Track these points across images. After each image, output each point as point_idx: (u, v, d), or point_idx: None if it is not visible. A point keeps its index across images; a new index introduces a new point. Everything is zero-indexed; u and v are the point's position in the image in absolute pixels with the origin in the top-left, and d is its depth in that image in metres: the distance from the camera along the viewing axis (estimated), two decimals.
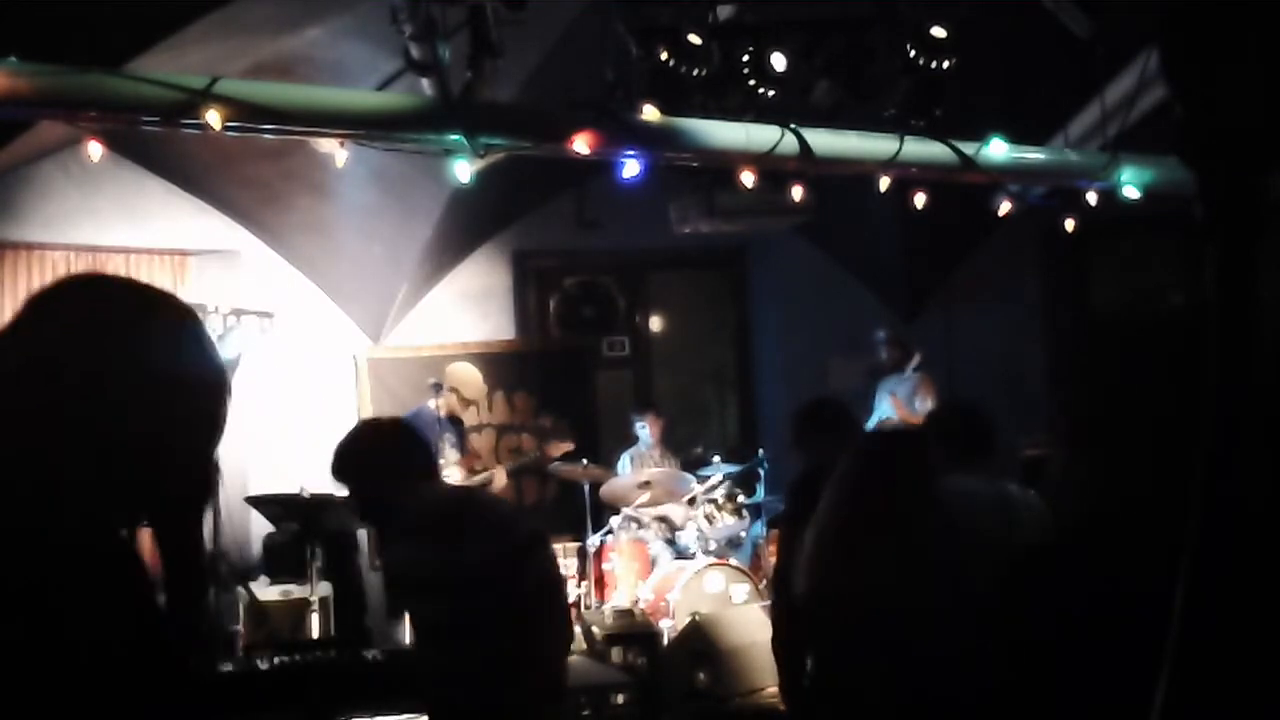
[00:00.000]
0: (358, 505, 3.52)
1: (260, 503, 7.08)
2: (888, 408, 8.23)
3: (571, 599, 7.58)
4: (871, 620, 3.20)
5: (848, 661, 3.32)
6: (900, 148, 6.03)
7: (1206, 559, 1.19)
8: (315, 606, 6.63)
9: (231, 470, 7.58)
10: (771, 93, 5.73)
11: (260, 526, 7.57)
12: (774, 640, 4.26)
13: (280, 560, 7.33)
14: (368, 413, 8.60)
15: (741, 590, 6.96)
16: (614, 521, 7.60)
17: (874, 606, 3.18)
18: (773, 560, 7.64)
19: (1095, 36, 5.75)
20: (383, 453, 3.46)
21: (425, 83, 5.10)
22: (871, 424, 8.24)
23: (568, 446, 8.02)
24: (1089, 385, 2.04)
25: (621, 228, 8.76)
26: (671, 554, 7.58)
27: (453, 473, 7.45)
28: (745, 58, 5.66)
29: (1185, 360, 1.43)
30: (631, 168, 5.68)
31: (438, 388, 7.72)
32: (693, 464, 8.24)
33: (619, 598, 7.26)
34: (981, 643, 3.38)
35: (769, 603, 6.85)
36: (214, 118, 4.64)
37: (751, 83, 5.68)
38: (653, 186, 6.16)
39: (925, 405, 7.95)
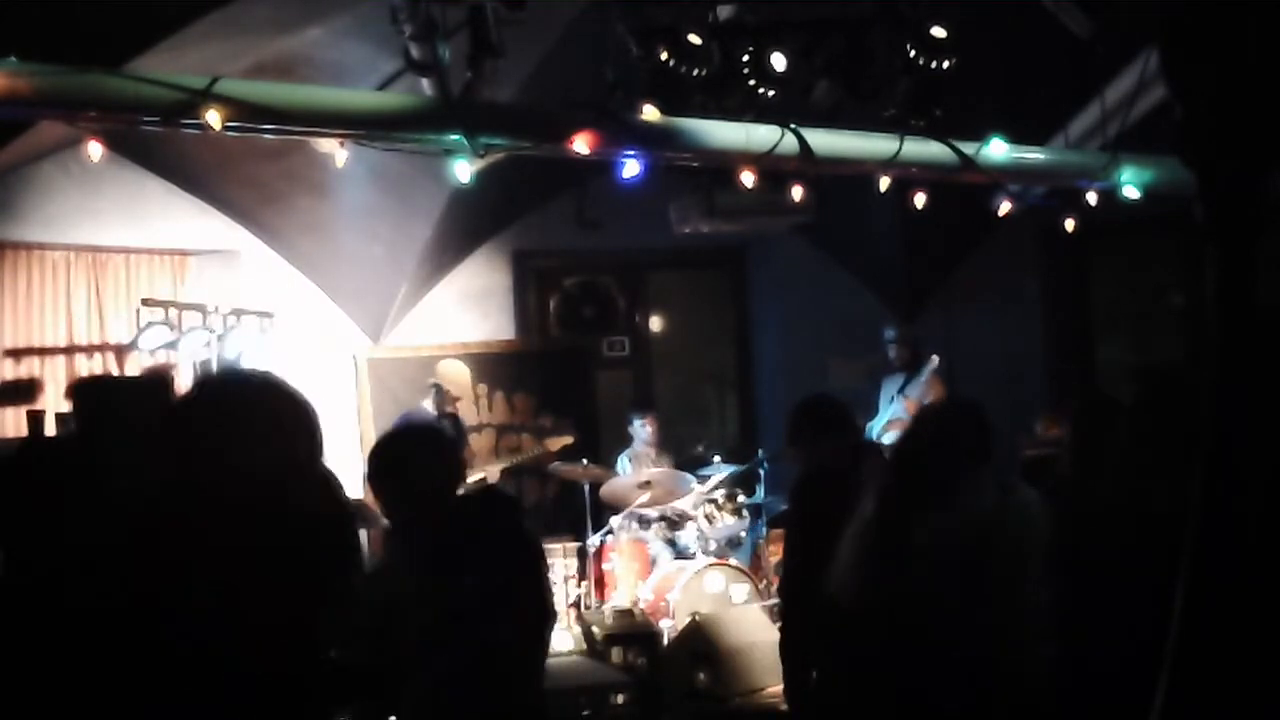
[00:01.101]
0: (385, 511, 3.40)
1: None
2: (899, 409, 8.19)
3: (571, 599, 7.59)
4: (903, 626, 3.20)
5: (879, 667, 3.31)
6: (900, 148, 6.02)
7: (1206, 557, 1.19)
8: None
9: None
10: (771, 93, 5.72)
11: None
12: (782, 643, 4.24)
13: None
14: (367, 413, 8.60)
15: (741, 590, 6.96)
16: (614, 521, 7.60)
17: (905, 612, 3.18)
18: (774, 560, 7.66)
19: (1095, 36, 5.74)
20: (405, 466, 3.30)
21: (425, 83, 5.09)
22: (879, 424, 8.24)
23: (567, 440, 8.02)
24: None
25: (621, 228, 8.75)
26: (671, 554, 7.58)
27: None
28: (745, 58, 5.65)
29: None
30: (631, 168, 5.67)
31: (436, 388, 7.74)
32: (692, 464, 8.23)
33: (619, 598, 7.26)
34: (992, 644, 3.38)
35: (769, 603, 6.88)
36: (214, 118, 4.64)
37: (751, 83, 5.67)
38: (653, 186, 6.15)
39: None
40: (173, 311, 7.48)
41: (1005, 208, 7.43)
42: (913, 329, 8.85)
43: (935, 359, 8.13)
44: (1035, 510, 3.97)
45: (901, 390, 8.25)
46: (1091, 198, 7.07)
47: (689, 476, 7.77)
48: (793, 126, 5.76)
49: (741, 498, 7.74)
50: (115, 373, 7.57)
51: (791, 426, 4.52)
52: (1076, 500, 3.99)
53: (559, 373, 9.19)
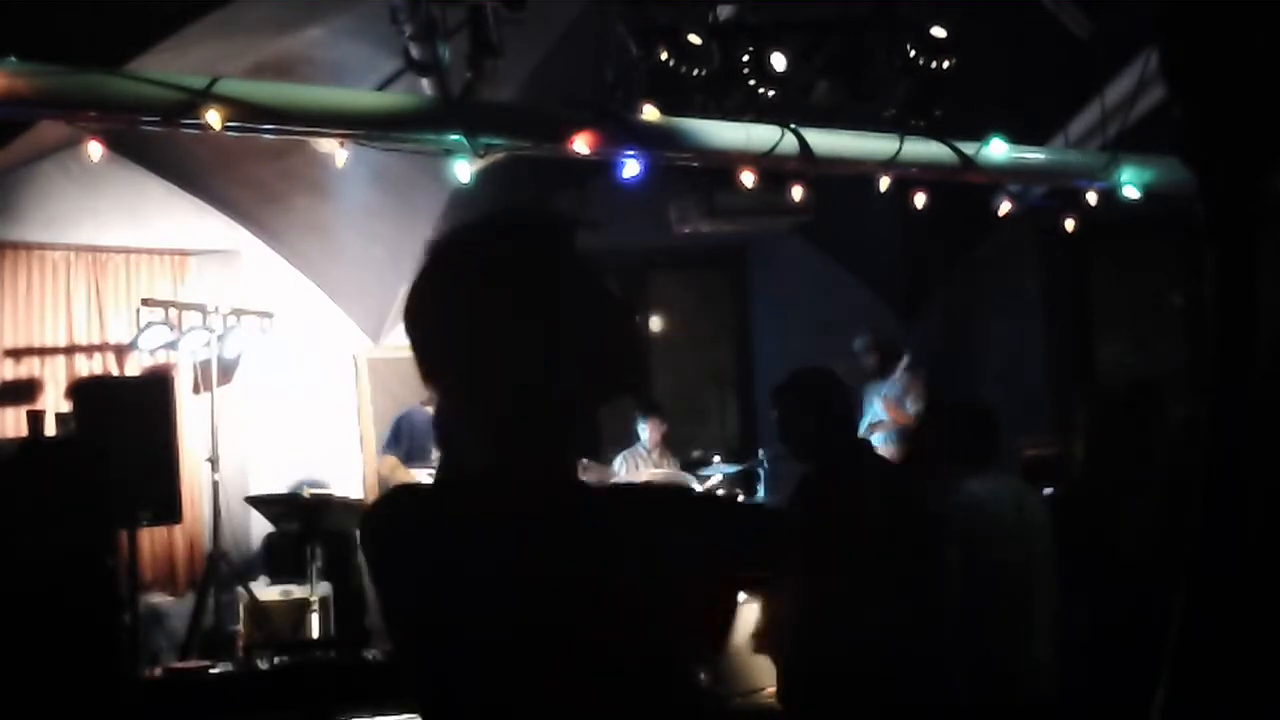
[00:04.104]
0: None
1: (260, 503, 7.08)
2: (879, 410, 8.23)
3: None
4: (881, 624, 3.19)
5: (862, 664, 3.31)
6: (900, 148, 6.02)
7: (1208, 558, 1.19)
8: (315, 606, 6.63)
9: (231, 470, 7.58)
10: (771, 93, 5.73)
11: (260, 526, 7.56)
12: (766, 641, 4.15)
13: (280, 560, 7.32)
14: (367, 413, 8.60)
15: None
16: None
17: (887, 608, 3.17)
18: None
19: (1095, 36, 5.75)
20: None
21: (425, 83, 5.10)
22: (862, 427, 8.25)
23: None
24: None
25: (621, 228, 8.73)
26: None
27: None
28: (745, 58, 5.65)
29: None
30: (631, 168, 5.67)
31: None
32: (693, 464, 8.23)
33: None
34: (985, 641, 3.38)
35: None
36: (214, 118, 4.64)
37: (751, 83, 5.68)
38: (653, 186, 6.15)
39: (916, 406, 7.98)
40: (173, 311, 7.48)
41: (1005, 208, 7.43)
42: (897, 329, 8.87)
43: (906, 356, 8.18)
44: (1040, 509, 3.98)
45: (879, 392, 8.32)
46: (1091, 198, 7.07)
47: (689, 476, 7.77)
48: (793, 126, 5.77)
49: (741, 498, 7.73)
50: (115, 373, 7.58)
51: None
52: (1089, 500, 3.99)
53: None
